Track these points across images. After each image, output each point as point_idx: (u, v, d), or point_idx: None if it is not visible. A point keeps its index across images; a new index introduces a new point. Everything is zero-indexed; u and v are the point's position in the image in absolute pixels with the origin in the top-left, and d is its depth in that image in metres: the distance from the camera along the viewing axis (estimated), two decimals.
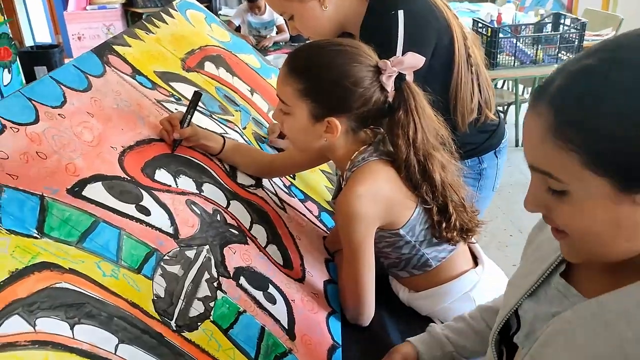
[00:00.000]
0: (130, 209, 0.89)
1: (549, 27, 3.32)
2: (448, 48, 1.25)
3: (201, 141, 1.17)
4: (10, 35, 3.41)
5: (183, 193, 1.03)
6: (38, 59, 4.66)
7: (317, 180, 1.56)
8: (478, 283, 1.09)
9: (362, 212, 0.98)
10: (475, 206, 1.10)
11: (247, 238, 1.07)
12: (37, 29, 6.01)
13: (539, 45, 3.21)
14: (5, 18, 3.40)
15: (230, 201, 1.13)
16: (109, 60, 1.21)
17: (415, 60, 1.02)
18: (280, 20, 4.36)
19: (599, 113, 0.48)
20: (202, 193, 1.08)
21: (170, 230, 0.93)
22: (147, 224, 0.90)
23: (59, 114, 0.94)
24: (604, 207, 0.51)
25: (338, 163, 1.10)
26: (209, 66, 1.59)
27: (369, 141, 1.05)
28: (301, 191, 1.43)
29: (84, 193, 0.85)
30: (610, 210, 0.51)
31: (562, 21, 3.24)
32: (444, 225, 1.03)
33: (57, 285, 0.69)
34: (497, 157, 1.41)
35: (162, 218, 0.94)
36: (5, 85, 3.37)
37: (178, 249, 0.91)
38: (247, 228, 1.10)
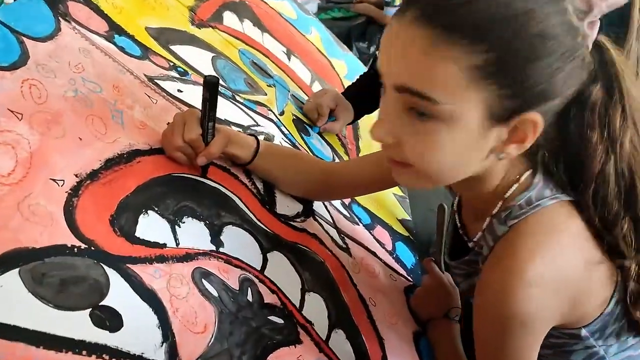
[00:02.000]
0: (79, 325, 0.44)
1: None
2: None
3: (231, 150, 0.71)
4: None
5: (188, 257, 0.58)
6: None
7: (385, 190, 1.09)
8: None
9: (532, 312, 0.54)
10: None
11: (299, 328, 0.62)
12: None
13: None
14: None
15: (268, 255, 0.67)
16: (69, 9, 0.73)
17: None
18: None
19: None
20: (221, 249, 0.62)
21: (161, 356, 0.48)
22: (113, 353, 0.45)
23: None
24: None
25: (477, 199, 0.64)
26: (229, 18, 1.11)
27: (528, 162, 0.58)
28: (366, 210, 0.97)
29: None
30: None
31: None
32: None
33: None
34: None
35: (146, 328, 0.49)
36: None
37: None
38: (297, 306, 0.65)
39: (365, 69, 1.53)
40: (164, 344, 0.49)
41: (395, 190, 1.12)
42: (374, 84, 1.05)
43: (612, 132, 0.54)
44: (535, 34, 0.47)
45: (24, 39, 0.63)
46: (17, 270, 0.44)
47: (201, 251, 0.60)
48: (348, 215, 0.90)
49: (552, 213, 0.55)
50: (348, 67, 1.45)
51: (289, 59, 1.20)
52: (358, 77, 1.15)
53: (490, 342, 0.58)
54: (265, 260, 0.66)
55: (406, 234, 1.01)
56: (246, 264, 0.63)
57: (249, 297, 0.60)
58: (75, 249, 0.49)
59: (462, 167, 0.54)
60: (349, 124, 1.12)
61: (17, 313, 0.42)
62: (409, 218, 1.07)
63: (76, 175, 0.55)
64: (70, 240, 0.49)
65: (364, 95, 1.09)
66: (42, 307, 0.43)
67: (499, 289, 0.54)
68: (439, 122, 0.50)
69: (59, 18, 0.71)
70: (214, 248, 0.62)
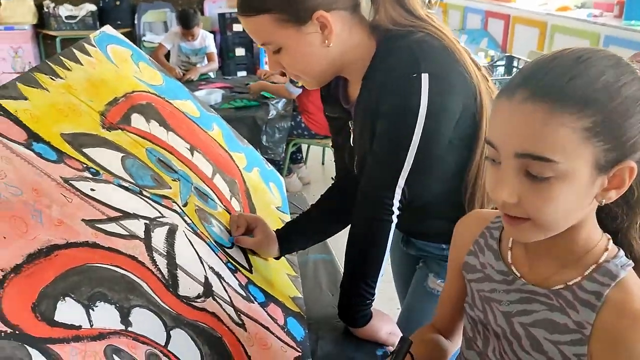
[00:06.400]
0: None
1: (500, 69, 3.20)
2: (473, 118, 0.98)
3: None
4: None
5: (100, 336, 0.68)
6: None
7: (278, 269, 1.23)
8: None
9: None
10: None
11: None
12: None
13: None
14: None
15: (171, 332, 0.78)
16: None
17: None
18: (210, 48, 4.08)
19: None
20: (129, 328, 0.72)
21: None
22: None
23: None
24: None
25: (568, 250, 0.69)
26: (137, 120, 1.23)
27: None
28: (261, 290, 1.09)
29: None
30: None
31: (515, 64, 3.13)
32: None
33: None
34: None
35: None
36: None
37: None
38: None
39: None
40: None
41: (289, 270, 1.26)
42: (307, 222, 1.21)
43: None
44: (626, 96, 0.59)
45: None
46: None
47: (112, 330, 0.70)
48: (245, 295, 1.02)
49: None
50: (247, 159, 1.61)
51: (192, 154, 1.34)
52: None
53: None
54: (168, 337, 0.77)
55: (297, 310, 1.14)
56: (152, 340, 0.74)
57: None
58: (2, 334, 0.58)
59: (573, 214, 0.63)
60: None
61: None
62: (300, 296, 1.20)
63: (1, 270, 0.64)
64: None
65: (298, 230, 1.24)
66: None
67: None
68: (556, 179, 0.60)
69: None
70: (123, 327, 0.72)
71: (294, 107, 3.35)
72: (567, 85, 0.59)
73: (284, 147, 3.23)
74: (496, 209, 0.73)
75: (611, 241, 0.69)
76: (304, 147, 3.81)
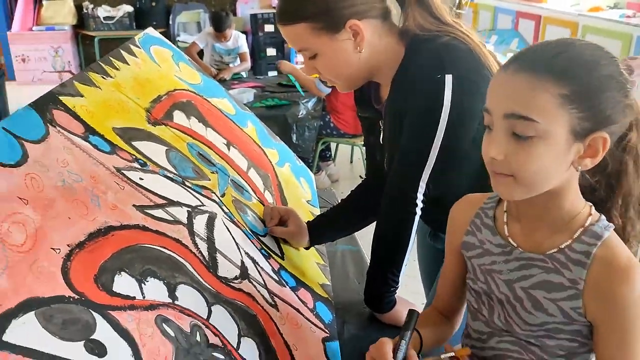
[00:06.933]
0: (77, 351, 0.62)
1: None
2: None
3: None
4: None
5: (152, 307, 0.76)
6: None
7: (308, 258, 1.31)
8: None
9: None
10: None
11: None
12: None
13: None
14: None
15: (212, 307, 0.86)
16: (54, 117, 0.93)
17: None
18: (243, 49, 4.18)
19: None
20: (176, 302, 0.81)
21: None
22: None
23: None
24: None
25: (556, 217, 0.78)
26: (178, 116, 1.32)
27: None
28: (292, 276, 1.17)
29: (5, 338, 0.57)
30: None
31: None
32: None
33: None
34: None
35: (123, 356, 0.66)
36: None
37: None
38: (235, 346, 0.84)
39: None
40: None
41: (318, 259, 1.34)
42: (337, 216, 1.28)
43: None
44: (603, 74, 0.69)
45: (24, 142, 0.82)
46: (33, 312, 0.62)
47: (161, 302, 0.78)
48: (277, 279, 1.10)
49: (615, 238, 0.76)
50: (279, 155, 1.69)
51: (229, 149, 1.43)
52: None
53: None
54: (210, 312, 0.85)
55: (326, 295, 1.21)
56: (195, 313, 0.82)
57: (198, 338, 0.78)
58: (71, 299, 0.67)
59: (552, 175, 0.72)
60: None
61: (35, 341, 0.59)
62: (328, 283, 1.28)
63: (68, 246, 0.73)
64: (67, 292, 0.67)
65: (328, 222, 1.32)
66: (51, 338, 0.61)
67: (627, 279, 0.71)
68: (537, 138, 0.69)
69: (47, 124, 0.90)
70: (170, 301, 0.80)
71: (323, 106, 3.43)
72: (551, 59, 0.69)
73: (314, 145, 3.31)
74: (485, 192, 0.88)
75: (593, 208, 0.78)
76: (333, 145, 3.88)
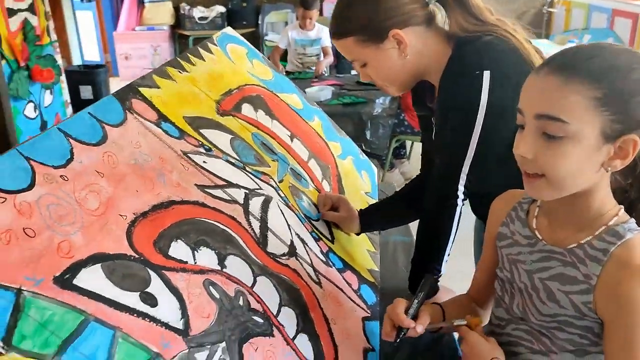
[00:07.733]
0: (133, 300, 0.74)
1: None
2: None
3: None
4: (55, 57, 3.39)
5: (201, 271, 0.87)
6: (84, 78, 4.69)
7: (359, 244, 1.38)
8: None
9: None
10: None
11: (273, 327, 0.90)
12: (87, 48, 6.09)
13: None
14: (51, 39, 3.39)
15: (257, 278, 0.96)
16: (132, 105, 1.07)
17: None
18: (326, 42, 4.18)
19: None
20: (224, 269, 0.91)
21: (180, 325, 0.76)
22: (152, 319, 0.73)
23: (61, 176, 0.80)
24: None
25: (583, 216, 0.79)
26: (246, 109, 1.44)
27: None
28: (340, 259, 1.25)
29: (76, 282, 0.69)
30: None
31: None
32: None
33: None
34: None
35: (172, 308, 0.77)
36: (45, 107, 3.34)
37: (187, 350, 0.74)
38: (275, 313, 0.93)
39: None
40: (182, 319, 0.77)
41: (369, 247, 1.41)
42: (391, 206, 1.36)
43: None
44: (635, 78, 0.70)
45: (105, 125, 0.96)
46: (100, 264, 0.74)
47: (210, 269, 0.89)
48: (324, 260, 1.19)
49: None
50: (342, 148, 1.77)
51: (292, 140, 1.53)
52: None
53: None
54: (255, 281, 0.95)
55: (372, 280, 1.28)
56: (241, 281, 0.92)
57: (240, 302, 0.88)
58: (132, 257, 0.79)
59: (581, 176, 0.73)
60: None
61: (99, 287, 0.71)
62: (376, 269, 1.34)
63: (134, 214, 0.85)
64: (129, 252, 0.79)
65: (378, 211, 1.40)
66: (113, 287, 0.73)
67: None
68: (567, 139, 0.71)
69: (126, 111, 1.04)
70: (219, 268, 0.91)
71: (398, 104, 3.47)
72: (585, 62, 0.71)
73: (387, 142, 3.36)
74: None
75: (623, 210, 0.78)
76: (408, 143, 3.91)
